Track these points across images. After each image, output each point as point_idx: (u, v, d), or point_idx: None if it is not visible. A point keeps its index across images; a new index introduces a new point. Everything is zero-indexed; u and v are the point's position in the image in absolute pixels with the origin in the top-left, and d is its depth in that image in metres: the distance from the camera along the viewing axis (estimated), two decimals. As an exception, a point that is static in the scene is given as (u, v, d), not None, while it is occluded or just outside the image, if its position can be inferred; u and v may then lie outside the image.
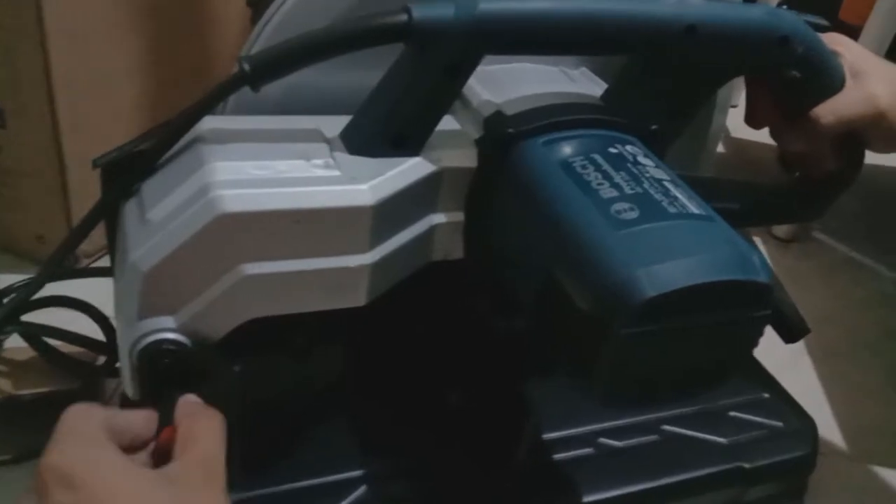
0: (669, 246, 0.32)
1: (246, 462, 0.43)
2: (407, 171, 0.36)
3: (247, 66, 0.34)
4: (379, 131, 0.37)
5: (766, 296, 0.33)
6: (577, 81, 0.45)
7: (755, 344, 0.35)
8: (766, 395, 0.55)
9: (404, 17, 0.34)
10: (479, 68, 0.37)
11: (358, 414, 0.48)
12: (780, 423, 0.53)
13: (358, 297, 0.36)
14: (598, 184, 0.35)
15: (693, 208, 0.34)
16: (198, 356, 0.36)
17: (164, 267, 0.34)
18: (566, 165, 0.36)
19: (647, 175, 0.36)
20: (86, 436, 0.30)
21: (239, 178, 0.34)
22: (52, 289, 0.49)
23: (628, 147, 0.38)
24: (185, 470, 0.30)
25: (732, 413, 0.53)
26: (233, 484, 0.41)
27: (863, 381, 0.75)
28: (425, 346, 0.47)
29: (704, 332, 0.33)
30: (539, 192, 0.36)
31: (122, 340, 0.37)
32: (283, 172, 0.34)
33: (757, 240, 0.95)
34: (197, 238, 0.33)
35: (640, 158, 0.37)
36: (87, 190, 0.63)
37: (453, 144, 0.38)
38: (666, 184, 0.35)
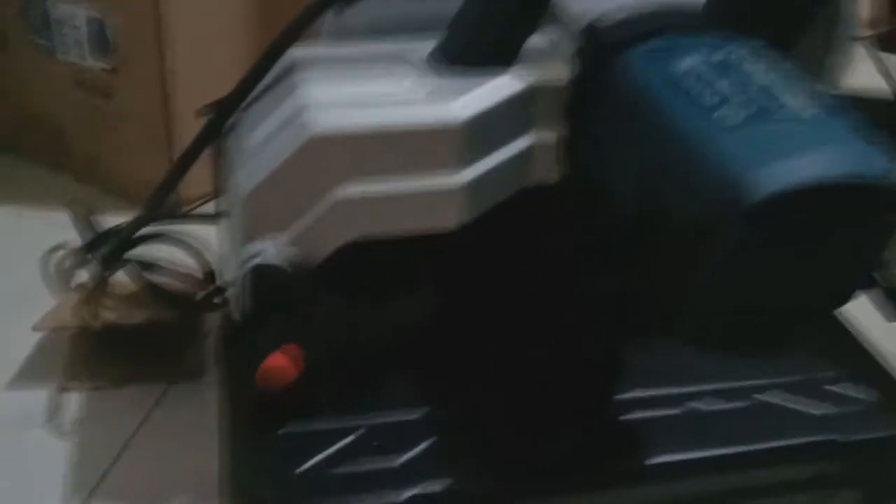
0: (780, 146, 0.30)
1: (330, 397, 0.44)
2: (498, 87, 0.36)
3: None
4: (467, 49, 0.37)
5: (886, 197, 0.30)
6: None
7: (873, 263, 0.33)
8: (862, 370, 0.53)
9: None
10: None
11: (436, 359, 0.48)
12: (876, 399, 0.51)
13: (451, 219, 0.36)
14: (700, 92, 0.33)
15: (807, 110, 0.32)
16: (299, 281, 0.37)
17: (264, 189, 0.35)
18: (666, 75, 0.35)
19: (754, 81, 0.34)
20: None
21: (331, 100, 0.34)
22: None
23: (733, 53, 0.36)
24: None
25: (826, 386, 0.52)
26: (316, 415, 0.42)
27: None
28: (511, 292, 0.46)
29: (819, 245, 0.31)
30: (638, 104, 0.35)
31: (230, 265, 0.39)
32: (374, 94, 0.35)
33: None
34: (292, 160, 0.34)
35: (746, 65, 0.35)
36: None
37: (547, 59, 0.38)
38: (774, 89, 0.33)
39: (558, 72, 0.37)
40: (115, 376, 0.54)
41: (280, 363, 0.37)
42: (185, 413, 0.53)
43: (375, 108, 0.34)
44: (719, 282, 0.31)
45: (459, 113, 0.35)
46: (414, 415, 0.45)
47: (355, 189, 0.35)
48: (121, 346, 0.55)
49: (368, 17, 0.41)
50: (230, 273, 0.39)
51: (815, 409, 0.50)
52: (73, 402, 0.53)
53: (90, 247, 0.57)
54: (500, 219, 0.39)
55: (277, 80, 0.38)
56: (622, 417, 0.47)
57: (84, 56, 0.67)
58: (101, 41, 0.65)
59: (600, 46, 0.37)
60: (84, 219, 0.58)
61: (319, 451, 0.42)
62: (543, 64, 0.37)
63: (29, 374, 0.55)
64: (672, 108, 0.33)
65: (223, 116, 0.40)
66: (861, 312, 0.53)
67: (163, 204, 0.48)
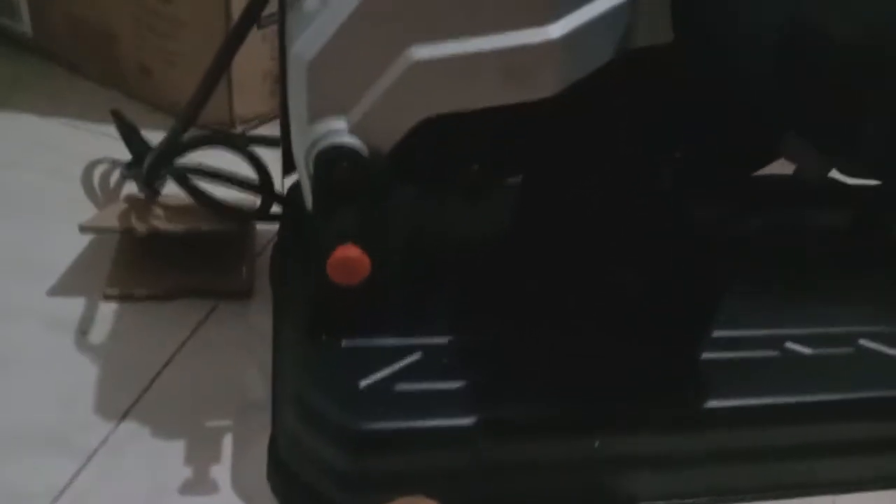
0: None
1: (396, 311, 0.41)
2: None
3: None
4: None
5: None
6: None
7: None
8: None
9: None
10: None
11: (511, 275, 0.44)
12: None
13: (546, 85, 0.32)
14: None
15: None
16: (373, 166, 0.33)
17: (328, 55, 0.31)
18: None
19: None
20: None
21: None
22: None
23: None
24: None
25: None
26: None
27: None
28: (603, 199, 0.42)
29: None
30: None
31: (298, 149, 0.35)
32: None
33: None
34: (356, 14, 0.30)
35: None
36: (250, 51, 0.61)
37: None
38: None
39: None
40: (160, 287, 0.51)
41: (354, 254, 0.33)
42: (233, 331, 0.50)
43: None
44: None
45: None
46: (481, 338, 0.42)
47: (431, 51, 0.31)
48: (168, 257, 0.52)
49: None
50: (297, 156, 0.35)
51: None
52: (118, 311, 0.50)
53: (137, 159, 0.54)
54: (601, 92, 0.34)
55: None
56: (713, 356, 0.43)
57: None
58: None
59: None
60: (130, 130, 0.55)
61: (384, 367, 0.39)
62: None
63: (73, 279, 0.52)
64: None
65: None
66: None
67: (208, 97, 0.45)
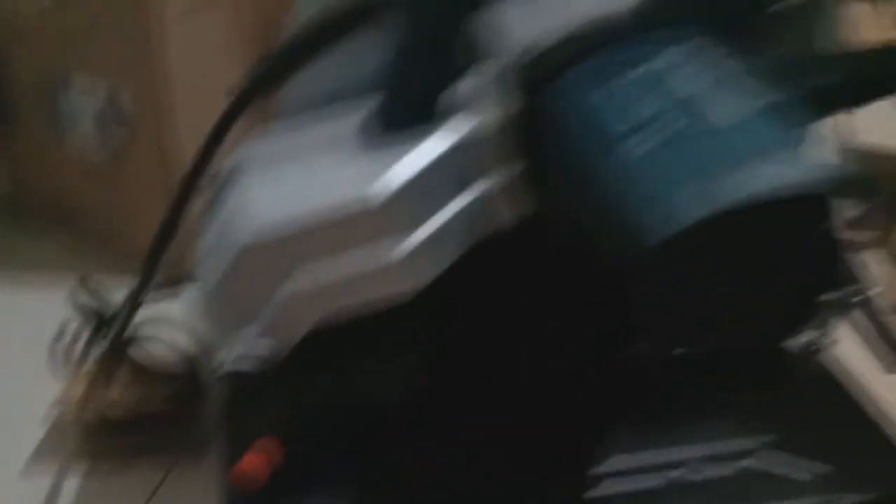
0: (683, 173, 0.29)
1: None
2: (428, 146, 0.35)
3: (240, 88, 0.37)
4: (394, 113, 0.36)
5: (814, 207, 0.29)
6: None
7: (827, 274, 0.32)
8: (857, 430, 0.53)
9: None
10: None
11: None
12: (868, 459, 0.51)
13: (405, 286, 0.36)
14: (613, 118, 0.32)
15: (730, 119, 0.30)
16: (271, 376, 0.38)
17: (216, 296, 0.37)
18: (584, 105, 0.33)
19: (675, 94, 0.32)
20: None
21: (259, 201, 0.35)
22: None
23: (661, 58, 0.33)
24: None
25: (819, 446, 0.51)
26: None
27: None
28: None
29: (750, 264, 0.30)
30: (559, 138, 0.33)
31: (210, 362, 0.40)
32: (306, 183, 0.36)
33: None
34: (231, 270, 0.36)
35: (673, 70, 0.33)
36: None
37: (484, 101, 0.36)
38: (696, 101, 0.31)
39: (495, 115, 0.36)
40: (118, 456, 0.56)
41: (252, 466, 0.38)
42: (189, 491, 0.55)
43: (304, 199, 0.35)
44: (655, 311, 0.31)
45: (390, 185, 0.34)
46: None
47: (305, 279, 0.36)
48: (124, 426, 0.57)
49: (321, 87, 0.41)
50: (209, 368, 0.40)
51: (809, 471, 0.49)
52: (80, 482, 0.55)
53: (96, 331, 0.59)
54: (467, 275, 0.38)
55: (221, 181, 0.39)
56: (609, 491, 0.47)
57: (93, 131, 0.70)
58: (111, 116, 0.69)
59: (527, 81, 0.35)
60: (95, 296, 0.60)
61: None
62: (484, 105, 0.36)
63: (40, 457, 0.57)
64: (582, 143, 0.32)
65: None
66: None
67: (153, 275, 0.49)
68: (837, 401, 0.54)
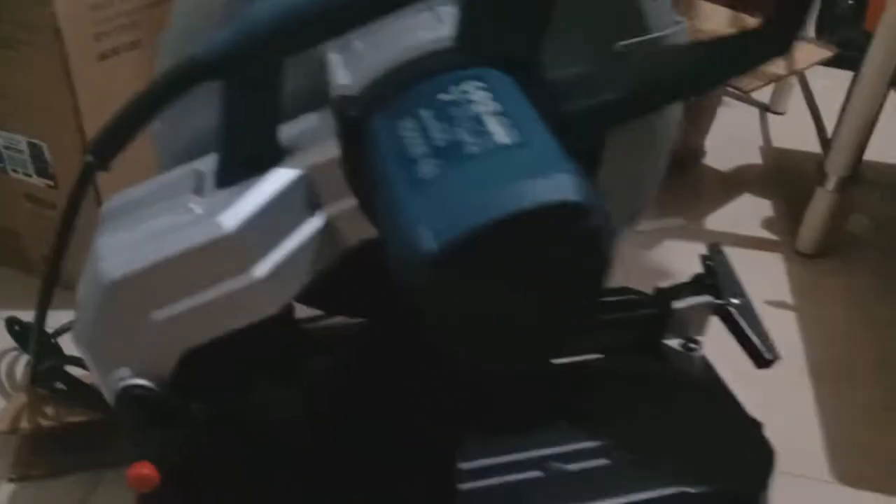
0: (456, 195, 0.32)
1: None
2: (264, 186, 0.39)
3: (90, 158, 0.40)
4: (231, 161, 0.40)
5: (578, 219, 0.32)
6: (446, 21, 0.41)
7: (593, 281, 0.34)
8: (721, 415, 0.56)
9: (188, 61, 0.38)
10: (346, 45, 0.40)
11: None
12: (734, 446, 0.55)
13: (263, 310, 0.40)
14: (413, 144, 0.35)
15: (504, 138, 0.33)
16: (163, 396, 0.42)
17: (89, 336, 0.41)
18: (392, 135, 0.36)
19: (470, 115, 0.35)
20: None
21: (119, 245, 0.39)
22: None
23: (464, 85, 0.36)
24: None
25: (684, 437, 0.55)
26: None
27: (866, 402, 0.74)
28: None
29: (524, 274, 0.33)
30: (370, 169, 0.36)
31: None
32: (157, 227, 0.39)
33: (779, 256, 0.94)
34: (102, 307, 0.40)
35: (472, 96, 0.36)
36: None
37: (315, 141, 0.40)
38: (486, 117, 0.34)
39: (327, 150, 0.40)
40: (50, 467, 0.61)
41: (143, 472, 0.43)
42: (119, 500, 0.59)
43: (157, 241, 0.39)
44: (442, 318, 0.34)
45: (229, 223, 0.38)
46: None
47: (166, 311, 0.39)
48: (58, 439, 0.61)
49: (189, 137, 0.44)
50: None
51: (672, 461, 0.53)
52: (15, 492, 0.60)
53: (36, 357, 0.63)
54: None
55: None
56: (490, 482, 0.52)
57: (30, 174, 0.75)
58: (42, 161, 0.74)
59: (347, 120, 0.39)
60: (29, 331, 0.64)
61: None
62: (312, 146, 0.40)
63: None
64: (386, 171, 0.35)
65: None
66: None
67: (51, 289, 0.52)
68: (705, 398, 0.59)
